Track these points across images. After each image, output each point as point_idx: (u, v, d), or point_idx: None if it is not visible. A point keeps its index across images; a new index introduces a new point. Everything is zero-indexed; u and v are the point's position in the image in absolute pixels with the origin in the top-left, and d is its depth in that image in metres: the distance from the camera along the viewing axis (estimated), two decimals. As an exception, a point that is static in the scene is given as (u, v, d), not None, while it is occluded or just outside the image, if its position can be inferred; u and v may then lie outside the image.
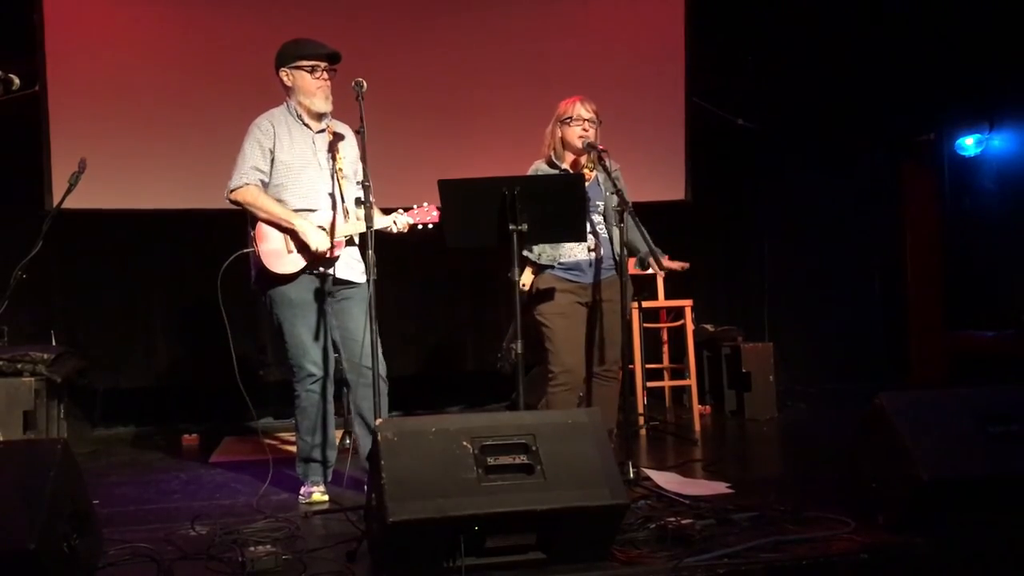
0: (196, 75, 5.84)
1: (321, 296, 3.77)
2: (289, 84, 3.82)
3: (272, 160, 3.77)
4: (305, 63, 3.78)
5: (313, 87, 3.78)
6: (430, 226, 3.82)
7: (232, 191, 3.77)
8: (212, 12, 5.92)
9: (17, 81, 3.41)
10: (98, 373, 5.69)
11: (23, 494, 2.53)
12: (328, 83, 3.80)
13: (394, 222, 3.81)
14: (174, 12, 5.86)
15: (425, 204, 3.81)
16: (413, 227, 3.84)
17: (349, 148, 3.86)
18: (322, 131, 3.85)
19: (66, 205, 3.81)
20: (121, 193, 5.71)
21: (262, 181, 3.77)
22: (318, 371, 3.78)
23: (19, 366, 4.73)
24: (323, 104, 3.80)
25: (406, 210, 3.83)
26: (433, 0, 6.25)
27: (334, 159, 3.80)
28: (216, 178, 5.61)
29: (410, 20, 6.14)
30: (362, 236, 3.73)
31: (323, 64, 3.78)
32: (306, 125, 3.83)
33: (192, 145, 5.81)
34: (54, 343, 5.49)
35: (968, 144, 7.13)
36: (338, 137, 3.84)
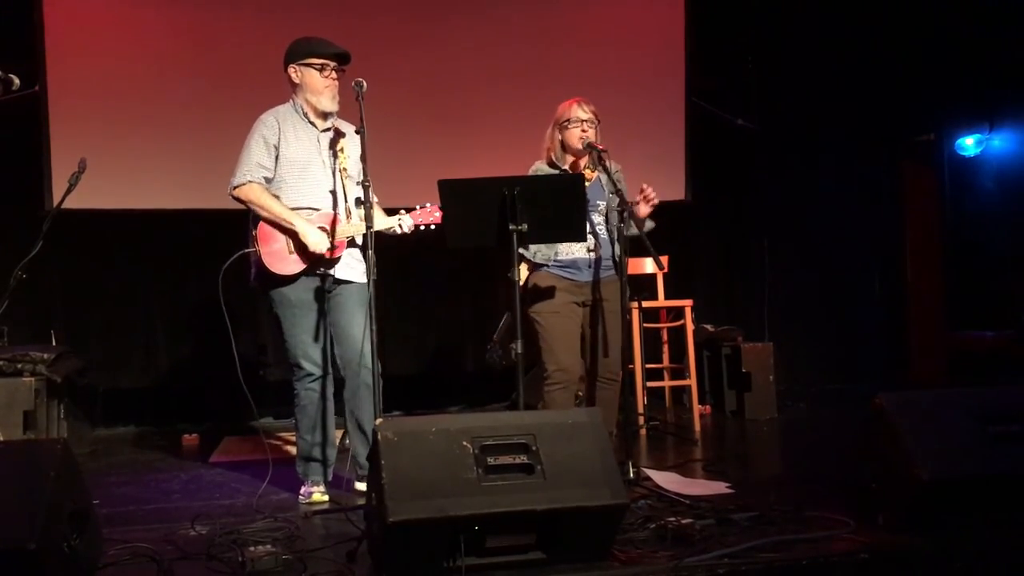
0: (196, 75, 5.85)
1: (321, 296, 3.77)
2: (297, 81, 3.81)
3: (277, 157, 3.76)
4: (315, 61, 3.77)
5: (321, 86, 3.77)
6: (432, 227, 3.82)
7: (235, 188, 3.75)
8: (212, 12, 5.93)
9: (17, 81, 3.41)
10: (98, 373, 5.69)
11: (23, 494, 2.53)
12: (336, 83, 3.79)
13: (399, 224, 3.81)
14: (174, 12, 5.87)
15: (428, 205, 3.81)
16: (416, 228, 3.84)
17: (353, 147, 3.84)
18: (327, 130, 3.85)
19: (66, 205, 3.81)
20: (121, 193, 5.72)
21: (265, 178, 3.76)
22: (317, 370, 3.78)
23: (19, 366, 4.73)
24: (330, 103, 3.80)
25: (408, 211, 3.83)
26: (433, 1, 6.26)
27: (335, 156, 3.80)
28: (216, 178, 5.61)
29: (410, 20, 6.14)
30: (363, 236, 3.73)
31: (332, 63, 3.78)
32: (311, 123, 3.83)
33: (192, 145, 5.82)
34: (54, 343, 5.49)
35: (968, 144, 7.14)
36: (339, 134, 3.84)
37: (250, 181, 3.73)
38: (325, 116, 3.84)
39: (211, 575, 2.79)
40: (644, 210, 3.96)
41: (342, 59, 3.80)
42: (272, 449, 4.96)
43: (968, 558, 2.84)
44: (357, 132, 3.59)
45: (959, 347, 6.87)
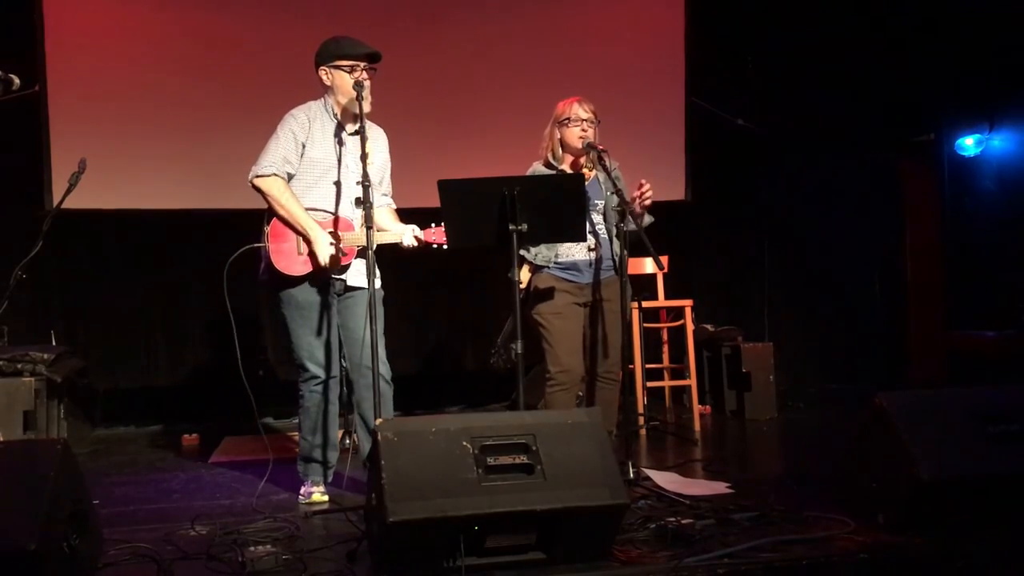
0: (196, 75, 5.85)
1: (328, 298, 3.76)
2: (328, 83, 3.78)
3: (302, 155, 3.73)
4: (344, 63, 3.72)
5: (351, 87, 3.71)
6: (444, 247, 3.74)
7: (257, 176, 3.69)
8: (212, 12, 5.92)
9: (17, 81, 3.41)
10: (98, 373, 5.69)
11: (23, 494, 2.53)
12: (367, 83, 3.72)
13: (403, 236, 3.77)
14: (174, 12, 5.86)
15: (444, 225, 3.75)
16: (427, 246, 3.79)
17: (378, 152, 3.81)
18: (356, 133, 3.78)
19: (66, 205, 3.81)
20: (121, 193, 5.72)
21: (289, 174, 3.72)
22: (322, 372, 3.77)
23: (19, 366, 4.73)
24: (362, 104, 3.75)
25: (424, 228, 3.78)
26: (434, 1, 6.26)
27: (360, 162, 3.74)
28: (216, 178, 5.68)
29: (410, 21, 6.14)
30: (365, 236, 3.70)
31: (362, 64, 3.73)
32: (340, 125, 3.81)
33: (192, 145, 5.82)
34: (54, 343, 5.49)
35: (968, 144, 7.13)
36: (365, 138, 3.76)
37: (274, 174, 3.69)
38: (355, 118, 3.79)
39: (211, 575, 2.79)
40: (637, 208, 3.94)
41: (372, 59, 3.74)
42: (272, 449, 4.96)
43: (968, 558, 2.84)
44: (356, 133, 3.56)
45: (959, 347, 6.87)
